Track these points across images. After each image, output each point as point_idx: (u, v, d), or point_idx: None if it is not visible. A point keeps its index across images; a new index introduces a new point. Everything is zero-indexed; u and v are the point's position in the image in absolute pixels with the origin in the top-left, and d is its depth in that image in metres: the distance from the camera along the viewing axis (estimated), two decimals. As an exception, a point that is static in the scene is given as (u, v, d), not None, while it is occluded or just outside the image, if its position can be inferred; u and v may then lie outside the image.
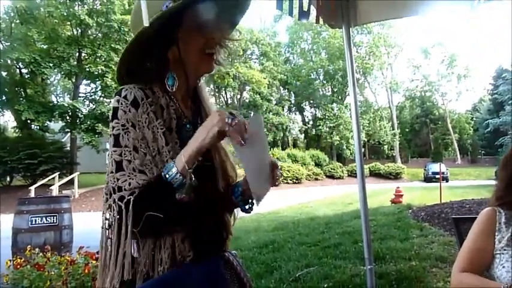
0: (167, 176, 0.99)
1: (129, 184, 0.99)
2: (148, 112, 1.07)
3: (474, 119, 49.78)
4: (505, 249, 1.55)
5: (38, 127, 23.62)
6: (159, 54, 1.15)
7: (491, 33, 72.76)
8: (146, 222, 0.97)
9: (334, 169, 35.23)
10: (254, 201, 1.10)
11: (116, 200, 0.98)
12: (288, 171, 30.43)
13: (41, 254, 3.96)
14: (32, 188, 16.50)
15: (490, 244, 1.58)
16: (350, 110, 3.01)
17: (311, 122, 43.73)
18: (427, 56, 48.23)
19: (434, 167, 29.82)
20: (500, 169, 1.73)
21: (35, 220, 5.89)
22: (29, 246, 4.33)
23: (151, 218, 0.97)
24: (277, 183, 1.21)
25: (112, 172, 1.01)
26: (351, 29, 2.89)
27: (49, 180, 18.86)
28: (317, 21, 2.42)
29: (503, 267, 1.53)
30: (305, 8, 2.20)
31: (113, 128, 1.04)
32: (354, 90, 2.86)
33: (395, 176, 36.59)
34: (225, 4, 1.21)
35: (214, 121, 0.99)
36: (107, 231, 1.02)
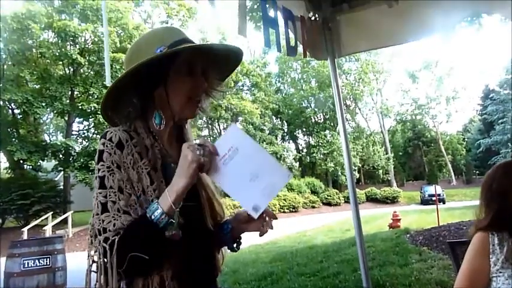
0: (152, 217, 1.00)
1: (114, 225, 1.00)
2: (133, 153, 1.09)
3: (466, 139, 50.24)
4: (500, 272, 1.56)
5: (30, 167, 23.44)
6: (146, 92, 1.18)
7: (476, 54, 74.63)
8: (131, 262, 0.97)
9: (330, 196, 35.04)
10: (251, 213, 1.09)
11: (101, 241, 0.99)
12: (285, 200, 30.19)
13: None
14: (25, 229, 16.19)
15: (486, 266, 1.59)
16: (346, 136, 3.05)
17: (305, 150, 43.82)
18: (414, 80, 49.11)
19: (430, 189, 29.85)
20: (480, 193, 1.76)
21: (28, 263, 5.77)
22: (21, 290, 4.22)
23: (136, 258, 0.97)
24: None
25: (97, 214, 1.02)
26: (337, 58, 2.97)
27: (42, 220, 18.56)
28: (304, 56, 2.48)
29: (501, 289, 1.53)
30: (292, 44, 2.26)
31: (99, 170, 1.06)
32: (342, 118, 2.91)
33: (392, 200, 36.43)
34: (216, 59, 1.25)
35: (189, 158, 1.01)
36: (96, 274, 1.01)
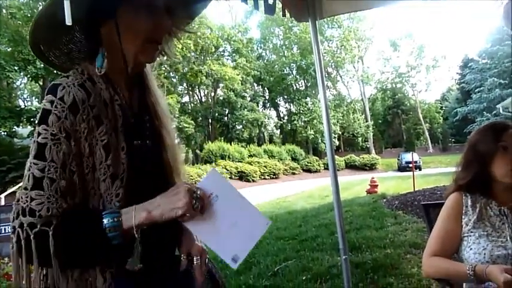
0: (107, 231, 0.83)
1: (47, 210, 0.82)
2: (89, 119, 0.88)
3: (443, 108, 51.13)
4: (471, 232, 1.60)
5: (5, 133, 22.90)
6: (91, 26, 0.95)
7: (456, 24, 74.88)
8: (58, 264, 0.82)
9: (310, 163, 35.55)
10: (230, 264, 0.94)
11: (25, 225, 0.81)
12: (265, 166, 30.53)
13: (10, 263, 3.83)
14: (2, 196, 15.94)
15: (458, 227, 1.62)
16: (326, 102, 3.00)
17: (286, 117, 43.97)
18: (396, 48, 49.19)
19: (408, 157, 30.51)
20: (462, 154, 1.77)
21: (5, 229, 5.69)
22: (-2, 255, 4.19)
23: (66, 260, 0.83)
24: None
25: (26, 188, 0.83)
26: (320, 22, 2.90)
27: (19, 187, 18.27)
28: (283, 14, 2.41)
29: (471, 249, 1.57)
30: (270, 2, 2.19)
31: (39, 134, 0.86)
32: (322, 83, 2.87)
33: (371, 167, 37.21)
34: None
35: (179, 204, 0.86)
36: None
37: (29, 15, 21.27)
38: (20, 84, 33.09)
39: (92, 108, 0.89)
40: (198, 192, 0.90)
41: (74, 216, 0.85)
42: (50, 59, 1.02)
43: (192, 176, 22.66)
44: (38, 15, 0.89)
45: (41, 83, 24.19)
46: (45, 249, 0.80)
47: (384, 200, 9.65)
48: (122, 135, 0.94)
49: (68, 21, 0.77)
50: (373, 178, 13.88)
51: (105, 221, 0.83)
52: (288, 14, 2.43)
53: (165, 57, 1.10)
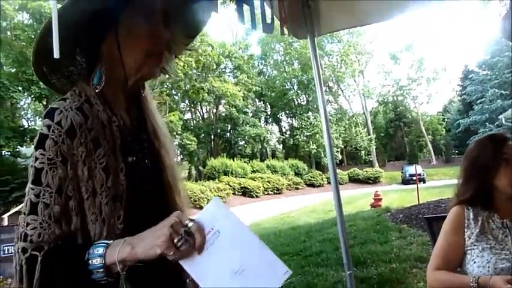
0: (89, 262, 0.79)
1: (39, 235, 0.82)
2: (87, 142, 0.88)
3: (446, 120, 51.09)
4: (474, 245, 1.59)
5: (8, 153, 22.97)
6: (91, 44, 0.95)
7: (455, 36, 75.45)
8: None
9: (314, 177, 35.39)
10: None
11: (19, 249, 0.82)
12: (268, 182, 30.40)
13: (13, 284, 3.81)
14: (5, 216, 15.91)
15: (461, 241, 1.62)
16: (326, 117, 3.01)
17: (288, 132, 43.99)
18: (396, 62, 49.46)
19: (411, 169, 30.37)
20: (460, 167, 1.78)
21: (8, 249, 5.70)
22: (1, 276, 4.18)
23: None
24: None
25: (24, 213, 0.85)
26: (320, 38, 2.94)
27: (22, 207, 18.27)
28: (282, 33, 2.44)
29: (474, 262, 1.57)
30: (268, 20, 2.21)
31: (36, 159, 0.86)
32: (322, 99, 2.89)
33: (374, 181, 37.00)
34: (182, 8, 1.05)
35: (158, 241, 0.77)
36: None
37: (32, 36, 21.57)
38: (24, 104, 33.35)
39: (90, 131, 0.89)
40: (190, 225, 0.80)
41: (64, 246, 0.84)
42: (52, 81, 1.02)
43: (195, 192, 22.61)
44: (37, 40, 0.90)
45: (44, 103, 24.38)
46: (33, 275, 0.80)
47: (388, 213, 9.59)
48: (121, 156, 0.93)
49: (56, 55, 0.77)
50: (376, 192, 13.84)
51: (90, 251, 0.80)
52: (286, 32, 2.46)
53: (166, 76, 1.10)
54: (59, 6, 0.85)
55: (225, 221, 0.83)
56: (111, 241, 0.82)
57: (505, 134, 1.72)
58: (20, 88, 21.45)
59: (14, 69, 22.43)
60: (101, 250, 0.79)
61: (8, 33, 22.38)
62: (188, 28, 1.12)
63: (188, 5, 1.04)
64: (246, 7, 1.95)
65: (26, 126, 25.51)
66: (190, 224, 0.80)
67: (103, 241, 0.82)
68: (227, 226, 0.82)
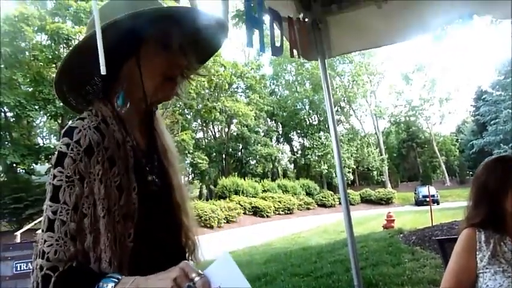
0: None
1: (55, 253, 0.83)
2: (104, 161, 0.90)
3: (459, 140, 50.56)
4: (487, 268, 1.57)
5: (23, 170, 23.33)
6: (111, 66, 0.94)
7: (469, 56, 75.25)
8: None
9: (325, 197, 35.11)
10: None
11: (37, 267, 0.84)
12: (279, 202, 30.24)
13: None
14: (18, 233, 16.01)
15: (473, 263, 1.60)
16: (337, 139, 3.03)
17: (300, 152, 43.95)
18: (408, 82, 49.42)
19: (424, 190, 30.00)
20: (470, 190, 1.77)
21: (20, 266, 5.73)
22: (13, 293, 4.20)
23: None
24: None
25: (43, 230, 0.86)
26: (332, 58, 2.99)
27: (36, 224, 18.43)
28: (291, 55, 2.48)
29: (487, 286, 1.55)
30: (277, 43, 2.26)
31: (54, 176, 0.87)
32: (333, 120, 2.92)
33: (387, 201, 36.55)
34: (198, 34, 1.06)
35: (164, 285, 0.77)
36: None
37: (50, 56, 22.18)
38: (40, 123, 34.03)
39: (106, 150, 0.92)
40: (196, 280, 0.77)
41: (77, 272, 0.85)
42: (68, 99, 1.06)
43: (206, 212, 22.56)
44: (63, 62, 0.94)
45: (59, 121, 24.82)
46: None
47: (401, 235, 9.45)
48: (133, 176, 0.95)
49: (103, 71, 0.81)
50: (389, 213, 13.66)
51: (100, 284, 0.80)
52: (296, 54, 2.51)
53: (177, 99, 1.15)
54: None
55: (232, 280, 0.80)
56: (122, 277, 0.81)
57: None
58: (36, 107, 21.96)
59: (31, 89, 22.98)
60: (110, 286, 0.79)
61: (27, 53, 23.01)
62: (201, 54, 1.16)
63: (202, 32, 1.07)
64: (256, 30, 2.00)
65: (41, 144, 25.96)
66: (196, 279, 0.77)
67: (114, 276, 0.82)
68: (233, 283, 0.79)
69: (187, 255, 1.13)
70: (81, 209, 0.87)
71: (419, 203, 31.30)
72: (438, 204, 28.77)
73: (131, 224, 0.92)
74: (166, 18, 0.97)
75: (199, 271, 0.79)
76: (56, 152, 0.90)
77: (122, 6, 0.95)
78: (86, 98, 1.07)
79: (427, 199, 20.49)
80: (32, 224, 18.46)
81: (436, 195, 29.91)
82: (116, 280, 0.80)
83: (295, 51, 2.47)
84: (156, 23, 0.96)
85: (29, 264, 5.74)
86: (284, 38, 2.53)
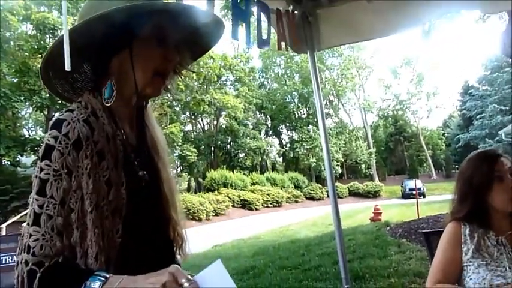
0: None
1: (41, 247, 0.82)
2: (92, 155, 0.88)
3: (446, 134, 51.17)
4: (470, 261, 1.60)
5: (9, 162, 22.99)
6: (102, 57, 0.97)
7: (456, 51, 76.00)
8: None
9: (313, 190, 35.34)
10: None
11: (22, 261, 0.83)
12: (268, 195, 30.35)
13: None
14: (3, 225, 15.84)
15: (458, 255, 1.63)
16: (325, 132, 3.04)
17: (288, 145, 44.05)
18: (396, 76, 49.80)
19: (411, 184, 30.38)
20: (455, 184, 1.79)
21: (6, 259, 5.69)
22: None
23: None
24: None
25: (28, 224, 0.85)
26: (321, 52, 2.99)
27: (21, 216, 18.22)
28: (279, 48, 2.47)
29: (471, 279, 1.57)
30: (264, 36, 2.24)
31: (41, 169, 0.86)
32: (321, 113, 2.92)
33: (374, 195, 36.90)
34: (194, 31, 1.06)
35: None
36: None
37: (35, 47, 21.77)
38: (25, 114, 33.51)
39: (96, 143, 0.90)
40: (186, 285, 0.77)
41: (63, 267, 0.84)
42: (55, 86, 1.04)
43: (194, 204, 22.54)
44: (54, 44, 0.91)
45: (45, 113, 24.50)
46: None
47: (388, 228, 9.56)
48: (122, 170, 0.94)
49: (67, 67, 0.79)
50: (376, 206, 13.80)
51: (87, 283, 0.79)
52: (283, 47, 2.49)
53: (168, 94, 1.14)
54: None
55: (222, 285, 0.80)
56: (110, 275, 0.81)
57: (496, 151, 1.73)
58: (21, 98, 21.57)
59: (16, 79, 22.58)
60: (97, 285, 0.78)
61: (12, 43, 22.57)
62: (195, 51, 1.15)
63: (198, 30, 1.06)
64: (242, 23, 1.98)
65: (27, 136, 25.58)
66: (185, 285, 0.77)
67: (102, 274, 0.81)
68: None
69: (175, 249, 1.12)
70: (69, 204, 0.85)
71: (406, 196, 31.69)
72: (424, 197, 29.19)
73: (119, 220, 0.91)
74: (163, 14, 0.96)
75: (189, 276, 0.79)
76: (43, 145, 0.88)
77: None
78: (73, 85, 1.05)
79: (414, 192, 20.78)
80: (18, 216, 18.25)
81: (422, 189, 30.33)
82: (103, 279, 0.79)
83: (283, 44, 2.46)
84: (151, 17, 0.94)
85: (14, 257, 5.68)
86: (273, 31, 2.51)
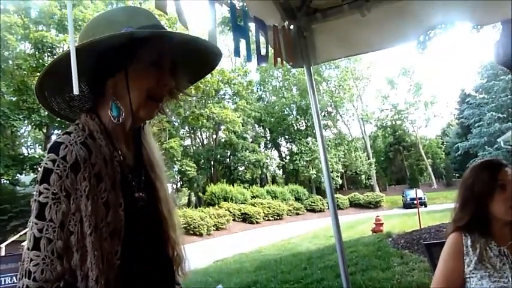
0: None
1: (41, 272, 0.83)
2: (90, 177, 0.89)
3: (445, 143, 51.23)
4: (473, 273, 1.59)
5: (7, 181, 22.90)
6: (99, 78, 0.98)
7: (452, 60, 76.61)
8: None
9: (314, 202, 35.16)
10: None
11: (23, 287, 0.83)
12: (269, 207, 30.17)
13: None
14: (2, 245, 15.69)
15: (460, 267, 1.62)
16: (323, 144, 3.05)
17: (288, 157, 44.02)
18: (393, 86, 50.07)
19: (412, 193, 30.26)
20: (457, 192, 1.79)
21: (5, 280, 5.63)
22: (-3, 308, 4.11)
23: None
24: None
25: (28, 249, 0.85)
26: (313, 66, 3.02)
27: (20, 236, 18.08)
28: (275, 64, 2.49)
29: (474, 290, 1.56)
30: (263, 52, 2.27)
31: (40, 193, 0.86)
32: (319, 126, 2.92)
33: (375, 205, 36.73)
34: (190, 56, 1.07)
35: None
36: None
37: (34, 65, 21.89)
38: (24, 132, 33.52)
39: (93, 166, 0.90)
40: None
41: None
42: (51, 104, 1.04)
43: (194, 219, 22.41)
44: (51, 63, 0.91)
45: (44, 131, 24.51)
46: None
47: (390, 239, 9.51)
48: (120, 191, 0.94)
49: (76, 91, 0.80)
50: (378, 216, 13.73)
51: None
52: (279, 62, 2.52)
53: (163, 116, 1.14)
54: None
55: None
56: None
57: (499, 160, 1.74)
58: (20, 116, 21.60)
59: (15, 98, 22.66)
60: None
61: (10, 62, 22.69)
62: (192, 76, 1.16)
63: (194, 57, 1.07)
64: (242, 39, 2.01)
65: (26, 154, 25.52)
66: None
67: None
68: None
69: (174, 268, 1.12)
70: (68, 227, 0.85)
71: (407, 205, 31.58)
72: (426, 206, 29.10)
73: (118, 241, 0.91)
74: (160, 39, 0.97)
75: None
76: (41, 168, 0.89)
77: (118, 20, 0.96)
78: (70, 103, 1.06)
79: (415, 202, 20.70)
80: (17, 236, 18.10)
81: (423, 198, 30.24)
82: None
83: (278, 60, 2.48)
84: (149, 41, 0.95)
85: (14, 278, 5.64)
86: (270, 46, 2.54)
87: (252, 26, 2.28)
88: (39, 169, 0.90)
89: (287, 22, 2.84)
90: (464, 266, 1.62)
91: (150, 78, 0.98)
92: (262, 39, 2.34)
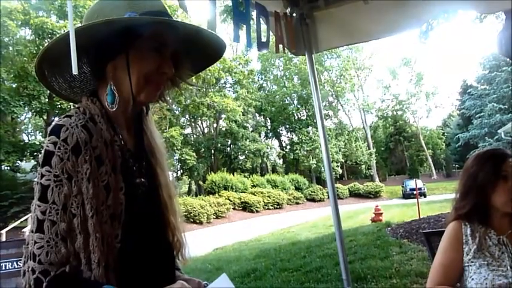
0: None
1: (46, 254, 0.83)
2: (91, 160, 0.89)
3: (445, 134, 51.22)
4: (472, 262, 1.59)
5: (8, 167, 22.97)
6: (100, 60, 0.98)
7: (454, 50, 76.14)
8: None
9: (314, 192, 35.30)
10: None
11: (28, 270, 0.83)
12: (269, 197, 30.30)
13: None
14: (3, 231, 15.82)
15: (459, 256, 1.62)
16: (324, 134, 3.04)
17: (288, 147, 44.02)
18: (395, 76, 49.85)
19: (412, 184, 30.39)
20: (459, 180, 1.78)
21: (5, 265, 5.66)
22: (-1, 293, 4.14)
23: None
24: None
25: (32, 231, 0.85)
26: (319, 53, 3.00)
27: (21, 222, 18.19)
28: (276, 51, 2.48)
29: (472, 279, 1.57)
30: (263, 39, 2.25)
31: (42, 176, 0.86)
32: (320, 115, 2.92)
33: (375, 195, 36.89)
34: (193, 47, 1.06)
35: None
36: None
37: (34, 51, 21.75)
38: (24, 119, 33.51)
39: (94, 149, 0.90)
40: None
41: (69, 280, 0.85)
42: (51, 84, 1.04)
43: (195, 207, 22.51)
44: (50, 43, 0.91)
45: (44, 118, 24.47)
46: None
47: (389, 228, 9.55)
48: (121, 176, 0.94)
49: (75, 71, 0.79)
50: (377, 206, 13.78)
51: None
52: (281, 49, 2.50)
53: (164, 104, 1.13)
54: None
55: None
56: None
57: (504, 151, 1.72)
58: (20, 103, 21.56)
59: (15, 84, 22.58)
60: None
61: (10, 48, 22.57)
62: (194, 66, 1.15)
63: (197, 47, 1.06)
64: (243, 25, 1.99)
65: (26, 141, 25.55)
66: None
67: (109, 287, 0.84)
68: None
69: (174, 254, 1.13)
70: (70, 209, 0.85)
71: (406, 196, 31.74)
72: (425, 197, 29.22)
73: (118, 225, 0.91)
74: (163, 26, 0.96)
75: None
76: (43, 151, 0.89)
77: (122, 4, 0.95)
78: (71, 84, 1.06)
79: (414, 192, 20.77)
80: (18, 222, 18.23)
81: (423, 188, 30.37)
82: None
83: (280, 47, 2.46)
84: (151, 27, 0.94)
85: (14, 263, 5.67)
86: (271, 33, 2.52)
87: (253, 13, 2.26)
88: (41, 152, 0.90)
89: (289, 9, 2.82)
90: (463, 255, 1.62)
91: (150, 64, 0.98)
92: (263, 26, 2.32)
